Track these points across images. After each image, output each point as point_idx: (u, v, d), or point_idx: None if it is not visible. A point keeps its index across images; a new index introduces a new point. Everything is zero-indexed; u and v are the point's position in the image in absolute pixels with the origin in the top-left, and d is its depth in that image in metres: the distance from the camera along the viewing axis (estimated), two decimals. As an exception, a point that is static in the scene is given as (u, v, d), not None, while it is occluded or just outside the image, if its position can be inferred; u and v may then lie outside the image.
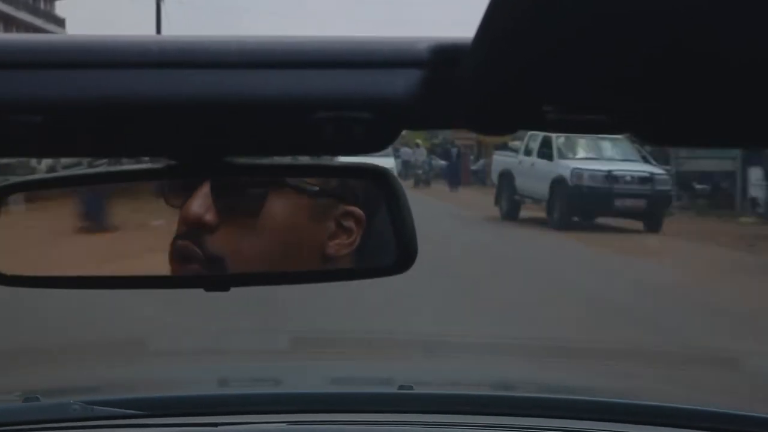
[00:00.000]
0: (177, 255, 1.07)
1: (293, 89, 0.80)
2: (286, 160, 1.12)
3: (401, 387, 1.96)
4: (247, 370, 2.92)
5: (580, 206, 15.43)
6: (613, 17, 0.65)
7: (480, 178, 29.97)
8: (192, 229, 1.05)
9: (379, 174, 1.08)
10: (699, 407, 1.91)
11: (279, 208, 1.07)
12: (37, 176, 1.18)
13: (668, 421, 1.79)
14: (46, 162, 14.81)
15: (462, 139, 31.88)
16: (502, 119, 0.85)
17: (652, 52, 0.69)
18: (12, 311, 6.36)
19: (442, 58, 0.81)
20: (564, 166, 15.98)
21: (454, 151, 29.48)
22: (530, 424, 1.77)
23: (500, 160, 19.20)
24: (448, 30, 0.97)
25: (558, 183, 15.77)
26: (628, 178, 15.56)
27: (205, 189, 1.04)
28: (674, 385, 3.35)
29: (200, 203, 1.04)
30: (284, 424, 1.75)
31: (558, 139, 16.54)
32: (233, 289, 1.08)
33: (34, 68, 0.79)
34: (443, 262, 9.11)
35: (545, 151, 16.70)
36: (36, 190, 1.16)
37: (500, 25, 0.70)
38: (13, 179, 1.16)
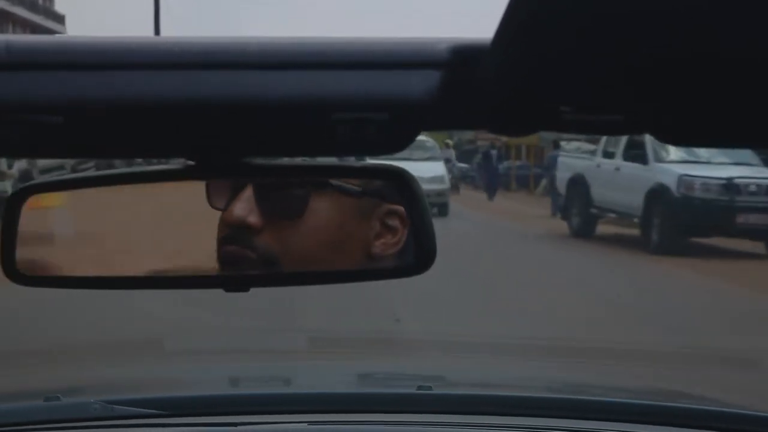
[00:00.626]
0: (227, 259, 1.07)
1: (312, 90, 0.81)
2: (304, 160, 1.13)
3: (420, 387, 1.96)
4: (265, 369, 2.93)
5: (690, 224, 11.95)
6: (631, 16, 0.64)
7: (523, 183, 27.94)
8: (236, 232, 1.05)
9: (397, 174, 1.08)
10: (713, 408, 1.90)
11: (323, 208, 1.07)
12: (57, 177, 1.18)
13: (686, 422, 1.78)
14: (18, 166, 14.72)
15: (482, 139, 30.97)
16: (520, 120, 0.85)
17: (667, 51, 0.69)
18: (32, 312, 6.40)
19: (461, 59, 0.81)
20: (666, 172, 12.44)
21: (494, 153, 26.83)
22: (551, 425, 1.77)
23: (569, 163, 15.52)
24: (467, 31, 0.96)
25: (657, 193, 12.34)
26: (753, 188, 12.19)
27: (248, 192, 1.04)
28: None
29: (243, 206, 1.04)
30: (304, 424, 1.75)
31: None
32: (251, 290, 1.09)
33: (54, 69, 0.79)
34: (540, 303, 7.26)
35: (635, 152, 13.11)
36: (56, 191, 1.16)
37: (519, 26, 0.70)
38: (34, 181, 1.17)
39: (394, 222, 1.09)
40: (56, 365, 4.34)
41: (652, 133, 0.84)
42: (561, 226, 14.67)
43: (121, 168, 1.14)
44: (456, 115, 0.87)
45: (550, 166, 18.64)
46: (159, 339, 5.32)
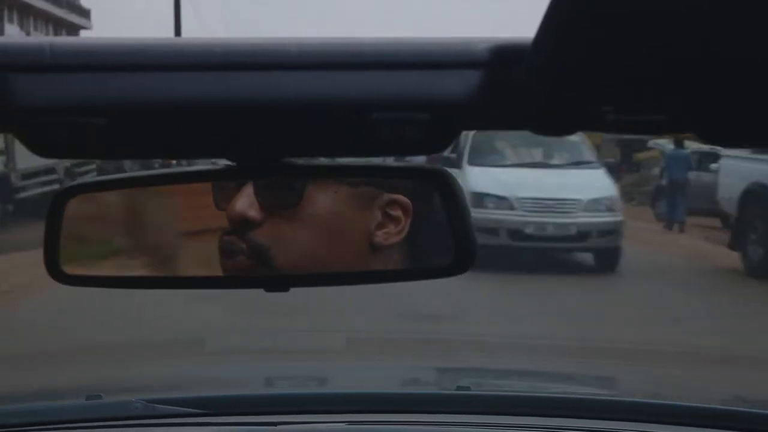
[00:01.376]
0: (223, 250, 1.09)
1: (353, 90, 0.81)
2: (345, 160, 1.13)
3: (459, 387, 1.95)
4: (304, 369, 2.94)
5: None
6: (673, 15, 0.64)
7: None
8: (238, 227, 1.07)
9: (437, 174, 1.08)
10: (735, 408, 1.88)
11: (318, 197, 1.08)
12: (99, 178, 1.19)
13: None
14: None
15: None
16: (561, 120, 0.85)
17: (710, 50, 0.68)
18: (75, 311, 6.48)
19: (502, 59, 0.81)
20: None
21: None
22: (589, 426, 1.76)
23: (741, 168, 10.23)
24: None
25: None
26: None
27: (248, 188, 1.06)
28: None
29: (243, 201, 1.06)
30: (343, 424, 1.75)
31: None
32: (290, 291, 1.09)
33: (97, 71, 0.80)
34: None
35: None
36: (98, 191, 1.17)
37: (560, 26, 0.69)
38: (78, 181, 1.18)
39: (396, 212, 1.09)
40: (98, 364, 4.39)
41: (696, 133, 0.83)
42: (696, 247, 11.16)
43: (162, 169, 1.15)
44: (497, 115, 0.87)
45: (672, 168, 15.01)
46: (200, 339, 5.36)
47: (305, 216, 1.07)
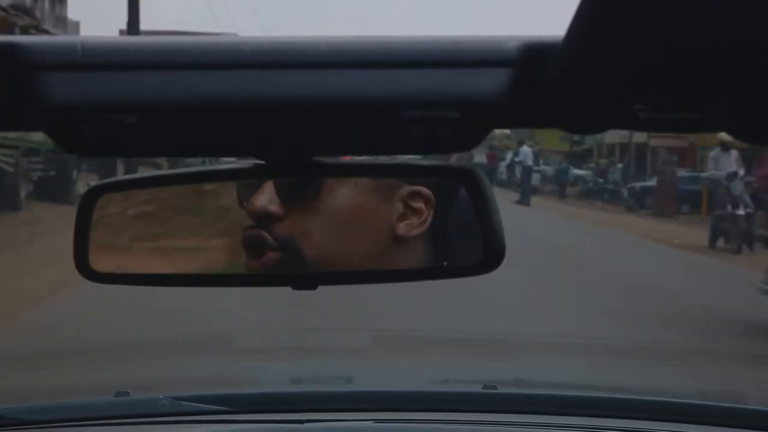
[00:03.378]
0: (248, 243, 1.09)
1: (382, 89, 0.81)
2: (374, 159, 1.13)
3: (485, 386, 1.95)
4: (331, 368, 2.94)
5: None
6: (703, 11, 0.63)
7: (689, 200, 17.84)
8: (260, 222, 1.07)
9: (466, 173, 1.08)
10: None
11: (338, 189, 1.08)
12: (129, 177, 1.20)
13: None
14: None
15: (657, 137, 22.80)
16: (592, 118, 0.84)
17: (745, 46, 0.68)
18: (104, 308, 6.52)
19: (532, 57, 0.80)
20: None
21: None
22: (617, 425, 1.75)
23: None
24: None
25: None
26: None
27: (268, 183, 1.07)
28: None
29: (264, 196, 1.07)
30: (369, 422, 1.75)
31: None
32: (317, 290, 1.09)
33: (127, 69, 0.80)
34: None
35: None
36: (126, 190, 1.18)
37: (591, 23, 0.69)
38: (107, 180, 1.19)
39: (418, 203, 1.08)
40: (127, 362, 4.41)
41: (733, 131, 0.82)
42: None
43: (190, 167, 1.16)
44: (527, 113, 0.86)
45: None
46: (227, 337, 5.38)
47: (326, 209, 1.07)
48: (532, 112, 0.86)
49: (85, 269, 1.11)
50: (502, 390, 1.96)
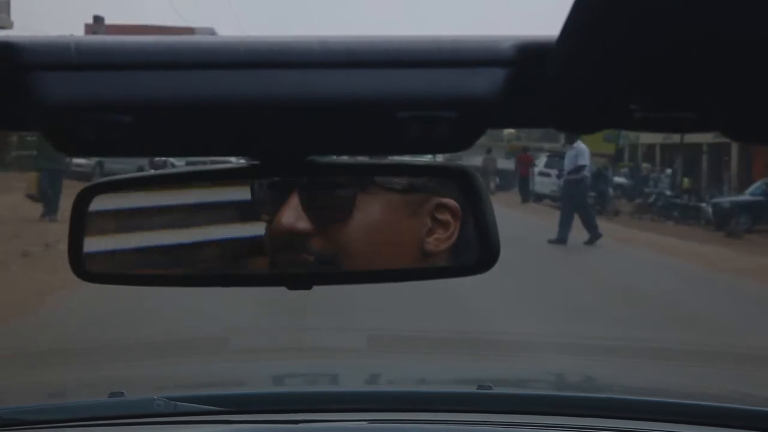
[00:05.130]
0: (289, 263, 1.07)
1: (377, 88, 0.81)
2: (369, 159, 1.13)
3: (480, 387, 1.95)
4: (326, 368, 2.94)
5: None
6: (698, 10, 0.64)
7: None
8: (289, 239, 1.05)
9: (461, 172, 1.08)
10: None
11: (369, 207, 1.06)
12: (124, 176, 1.20)
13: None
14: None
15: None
16: (587, 118, 0.85)
17: (739, 45, 0.68)
18: (98, 309, 6.51)
19: (527, 57, 0.80)
20: None
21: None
22: (612, 425, 1.75)
23: None
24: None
25: None
26: None
27: (294, 199, 1.04)
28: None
29: (291, 213, 1.04)
30: (365, 423, 1.75)
31: None
32: (310, 289, 1.09)
33: (122, 69, 0.80)
34: None
35: None
36: (121, 190, 1.18)
37: (586, 23, 0.69)
38: (101, 180, 1.18)
39: (445, 216, 1.07)
40: (121, 362, 4.41)
41: (727, 131, 0.82)
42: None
43: (186, 167, 1.15)
44: (523, 113, 0.86)
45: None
46: (224, 337, 5.38)
47: (357, 226, 1.06)
48: (528, 112, 0.86)
49: (79, 269, 1.11)
50: (497, 390, 1.96)
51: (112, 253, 1.15)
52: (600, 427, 1.74)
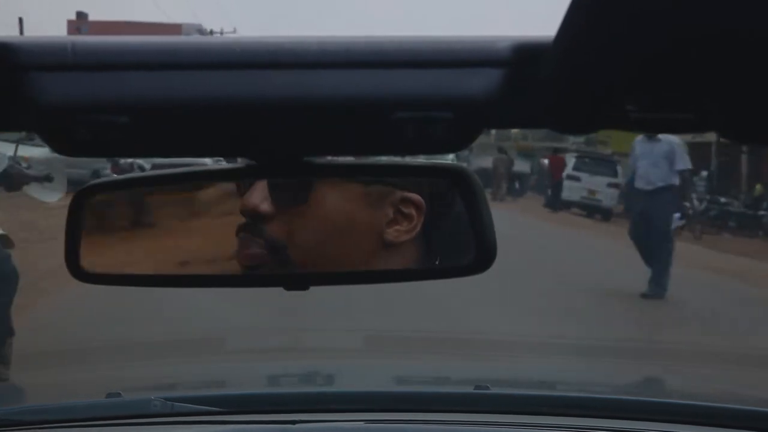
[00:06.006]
0: (240, 246, 1.10)
1: (373, 89, 0.81)
2: (366, 159, 1.13)
3: (477, 387, 1.95)
4: (323, 368, 2.94)
5: None
6: (697, 11, 0.64)
7: None
8: (251, 221, 1.08)
9: (458, 172, 1.08)
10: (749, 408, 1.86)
11: (328, 194, 1.09)
12: (121, 177, 1.20)
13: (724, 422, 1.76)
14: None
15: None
16: (584, 118, 0.85)
17: (738, 47, 0.68)
18: (94, 309, 6.51)
19: (523, 57, 0.80)
20: None
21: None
22: (609, 425, 1.75)
23: None
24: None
25: None
26: None
27: (262, 182, 1.07)
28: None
29: (257, 195, 1.07)
30: (361, 423, 1.75)
31: None
32: (309, 290, 1.09)
33: (119, 70, 0.80)
34: None
35: None
36: (119, 190, 1.18)
37: (581, 24, 0.69)
38: (98, 180, 1.18)
39: (409, 209, 1.10)
40: (118, 363, 4.40)
41: (723, 132, 0.82)
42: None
43: (183, 167, 1.15)
44: (518, 113, 0.86)
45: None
46: (220, 338, 5.38)
47: (315, 212, 1.08)
48: (524, 112, 0.86)
49: (75, 270, 1.11)
50: (494, 390, 1.96)
51: (108, 254, 1.15)
52: (600, 427, 1.74)
